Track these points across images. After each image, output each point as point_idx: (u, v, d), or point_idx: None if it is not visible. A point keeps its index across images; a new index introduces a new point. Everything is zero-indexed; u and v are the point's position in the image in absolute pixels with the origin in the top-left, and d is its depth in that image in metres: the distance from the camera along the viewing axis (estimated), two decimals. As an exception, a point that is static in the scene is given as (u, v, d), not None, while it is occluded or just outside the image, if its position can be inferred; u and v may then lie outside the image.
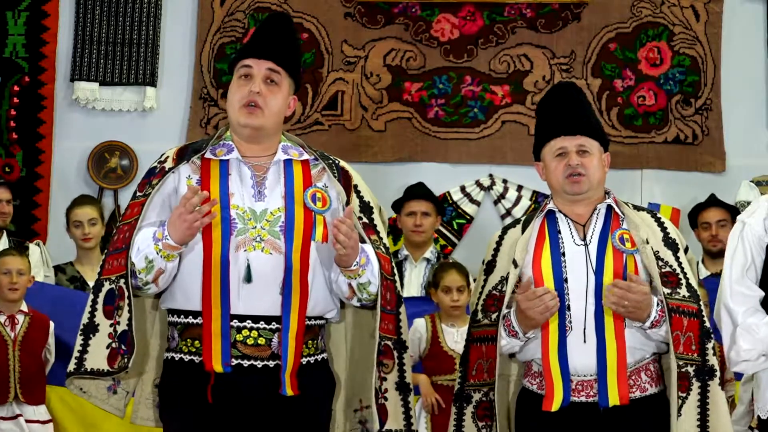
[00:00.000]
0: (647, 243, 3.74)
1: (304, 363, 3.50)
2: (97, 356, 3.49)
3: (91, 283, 5.89)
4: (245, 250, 3.46)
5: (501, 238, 3.91)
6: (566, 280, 3.72)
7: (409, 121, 7.52)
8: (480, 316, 3.82)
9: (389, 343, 3.58)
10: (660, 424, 3.67)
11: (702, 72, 7.47)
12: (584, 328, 3.68)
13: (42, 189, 7.39)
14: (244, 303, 3.46)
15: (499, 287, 3.80)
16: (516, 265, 3.76)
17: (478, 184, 7.49)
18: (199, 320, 3.48)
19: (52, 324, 5.62)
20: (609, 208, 3.84)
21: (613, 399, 3.64)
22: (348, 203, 3.60)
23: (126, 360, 3.45)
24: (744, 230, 3.72)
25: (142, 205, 3.54)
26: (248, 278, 3.45)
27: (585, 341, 3.67)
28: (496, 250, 3.88)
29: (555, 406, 3.65)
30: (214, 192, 3.53)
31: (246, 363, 3.45)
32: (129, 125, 7.53)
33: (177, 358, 3.53)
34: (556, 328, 3.67)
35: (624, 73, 7.50)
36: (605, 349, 3.65)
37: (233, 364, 3.44)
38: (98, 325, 3.51)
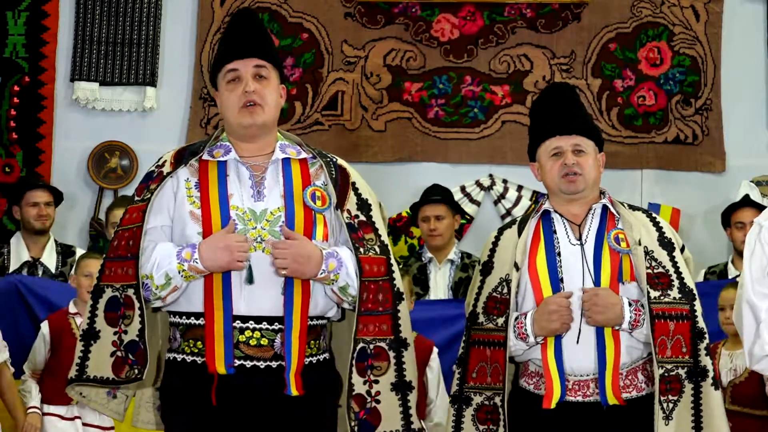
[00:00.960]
0: (639, 244, 3.75)
1: (307, 363, 3.49)
2: (100, 363, 3.48)
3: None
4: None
5: (497, 238, 3.91)
6: (561, 280, 3.73)
7: (409, 121, 7.52)
8: (482, 318, 3.82)
9: (382, 344, 3.57)
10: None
11: (702, 72, 7.47)
12: (579, 329, 3.69)
13: (42, 189, 7.38)
14: (246, 304, 3.45)
15: (499, 289, 3.80)
16: (518, 269, 3.77)
17: (478, 184, 7.49)
18: (200, 321, 3.47)
19: None
20: (604, 207, 3.85)
21: (611, 398, 3.66)
22: (338, 205, 3.59)
23: (137, 371, 3.45)
24: (761, 233, 3.74)
25: (142, 211, 3.52)
26: (250, 279, 3.45)
27: (578, 342, 3.69)
28: (492, 250, 3.89)
29: (553, 403, 3.66)
30: (213, 193, 3.53)
31: (249, 364, 3.45)
32: (129, 125, 7.53)
33: (179, 359, 3.52)
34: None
35: (624, 73, 7.50)
36: (605, 349, 3.67)
37: (236, 365, 3.43)
38: (99, 331, 3.50)
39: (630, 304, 3.69)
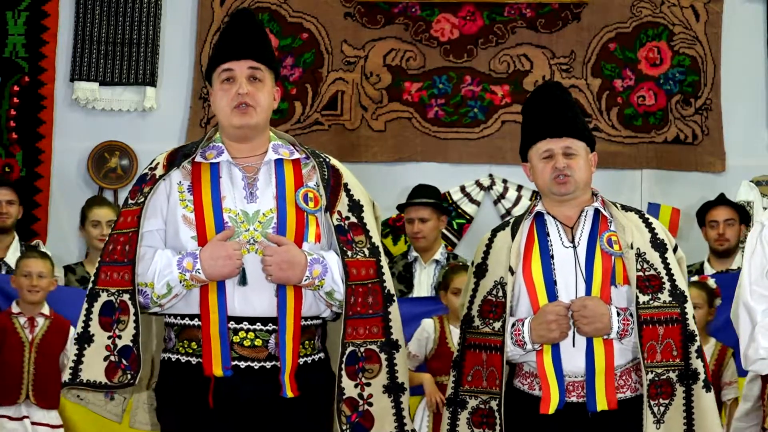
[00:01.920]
0: (631, 248, 3.74)
1: (302, 363, 3.50)
2: (93, 367, 3.49)
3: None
4: None
5: (490, 240, 3.90)
6: (555, 283, 3.72)
7: (409, 121, 7.52)
8: (477, 322, 3.80)
9: (373, 347, 3.56)
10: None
11: (702, 72, 7.46)
12: (573, 331, 3.68)
13: (42, 189, 7.39)
14: (239, 305, 3.46)
15: (494, 292, 3.79)
16: (512, 273, 3.76)
17: (478, 184, 7.49)
18: (195, 322, 3.48)
19: (72, 329, 5.59)
20: (597, 210, 3.83)
21: (601, 404, 3.65)
22: (328, 208, 3.59)
23: (130, 376, 3.46)
24: (762, 232, 3.75)
25: (137, 216, 3.52)
26: (243, 281, 3.46)
27: (574, 345, 3.68)
28: (486, 252, 3.87)
29: (552, 408, 3.65)
30: (206, 196, 3.53)
31: (243, 365, 3.45)
32: (129, 125, 7.53)
33: (174, 359, 3.53)
34: None
35: (624, 73, 7.49)
36: (593, 354, 3.66)
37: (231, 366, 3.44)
38: (93, 335, 3.50)
39: (618, 314, 3.67)
